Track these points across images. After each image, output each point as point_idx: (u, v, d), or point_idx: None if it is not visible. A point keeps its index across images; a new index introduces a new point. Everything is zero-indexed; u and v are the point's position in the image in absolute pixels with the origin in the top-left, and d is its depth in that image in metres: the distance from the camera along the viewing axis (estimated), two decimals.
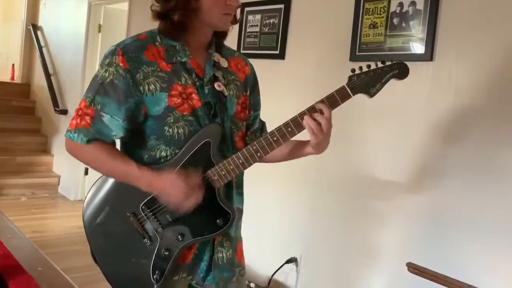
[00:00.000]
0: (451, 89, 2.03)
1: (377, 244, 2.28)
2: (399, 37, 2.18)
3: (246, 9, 3.01)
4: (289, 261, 2.65)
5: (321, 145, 1.30)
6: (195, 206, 1.23)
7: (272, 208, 2.82)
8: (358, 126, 2.35)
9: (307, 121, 1.24)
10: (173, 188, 1.21)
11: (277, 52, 2.81)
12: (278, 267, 2.67)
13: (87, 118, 1.23)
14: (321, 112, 1.24)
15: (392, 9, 2.21)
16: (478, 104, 1.95)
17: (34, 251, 1.38)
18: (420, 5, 2.11)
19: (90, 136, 1.23)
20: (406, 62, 1.30)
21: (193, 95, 1.27)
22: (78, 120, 1.24)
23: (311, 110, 1.25)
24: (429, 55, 2.07)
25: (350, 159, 2.42)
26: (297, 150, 1.41)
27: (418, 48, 2.12)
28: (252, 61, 1.52)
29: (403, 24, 2.17)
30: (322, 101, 1.26)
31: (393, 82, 1.29)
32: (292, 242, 2.69)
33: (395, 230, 2.21)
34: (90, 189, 1.36)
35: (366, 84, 1.27)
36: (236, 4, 1.28)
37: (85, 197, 1.36)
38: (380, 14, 2.26)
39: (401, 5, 2.18)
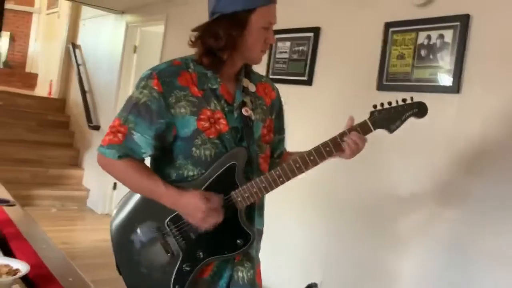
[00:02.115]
0: (477, 122, 2.03)
1: (399, 270, 2.26)
2: (427, 68, 2.20)
3: (276, 36, 3.07)
4: (309, 286, 2.64)
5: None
6: (215, 227, 1.29)
7: (292, 232, 2.83)
8: (382, 154, 2.35)
9: (347, 140, 1.32)
10: (194, 209, 1.27)
11: (305, 78, 2.87)
12: None
13: (120, 135, 1.30)
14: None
15: (420, 41, 2.24)
16: (504, 137, 1.94)
17: (65, 261, 1.44)
18: (448, 37, 2.14)
19: (121, 152, 1.30)
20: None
21: (221, 120, 1.34)
22: (112, 137, 1.31)
23: (339, 137, 1.34)
24: (456, 87, 2.08)
25: (374, 185, 2.42)
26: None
27: (445, 80, 2.13)
28: (280, 86, 1.58)
29: (431, 56, 2.19)
30: (344, 133, 1.33)
31: None
32: (313, 267, 2.69)
33: (416, 257, 2.19)
34: (119, 202, 1.43)
35: (387, 120, 1.33)
36: (273, 42, 1.39)
37: (114, 210, 1.43)
38: (408, 46, 2.29)
39: (429, 37, 2.21)
